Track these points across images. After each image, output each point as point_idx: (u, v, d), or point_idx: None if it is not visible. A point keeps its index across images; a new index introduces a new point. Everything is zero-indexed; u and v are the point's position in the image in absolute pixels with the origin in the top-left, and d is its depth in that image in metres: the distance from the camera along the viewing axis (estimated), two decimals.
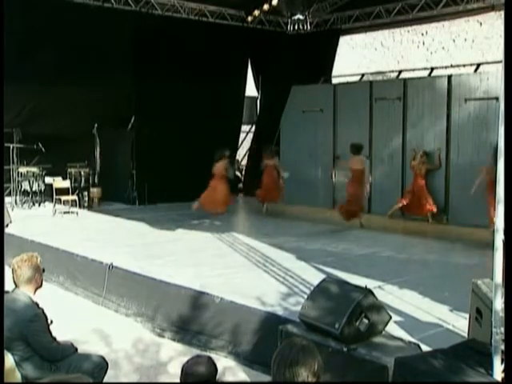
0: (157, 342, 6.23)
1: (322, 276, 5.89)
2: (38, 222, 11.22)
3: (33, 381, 4.03)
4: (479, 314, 4.24)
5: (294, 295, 6.28)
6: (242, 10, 13.85)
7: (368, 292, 4.60)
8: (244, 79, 15.82)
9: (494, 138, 9.02)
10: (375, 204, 12.45)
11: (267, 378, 2.86)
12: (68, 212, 12.11)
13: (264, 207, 12.98)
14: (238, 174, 16.85)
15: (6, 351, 3.89)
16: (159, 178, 13.17)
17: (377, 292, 4.98)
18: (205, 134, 14.02)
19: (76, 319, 6.63)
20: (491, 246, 3.42)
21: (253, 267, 7.66)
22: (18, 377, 3.98)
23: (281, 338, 4.77)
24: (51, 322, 4.27)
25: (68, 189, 12.57)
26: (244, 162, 17.45)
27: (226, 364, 5.59)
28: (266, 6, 12.58)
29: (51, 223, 11.30)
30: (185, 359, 3.17)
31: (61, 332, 4.43)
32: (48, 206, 12.69)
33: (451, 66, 14.84)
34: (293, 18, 14.62)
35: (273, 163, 13.05)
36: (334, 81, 15.52)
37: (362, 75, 15.37)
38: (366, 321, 4.44)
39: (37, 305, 4.15)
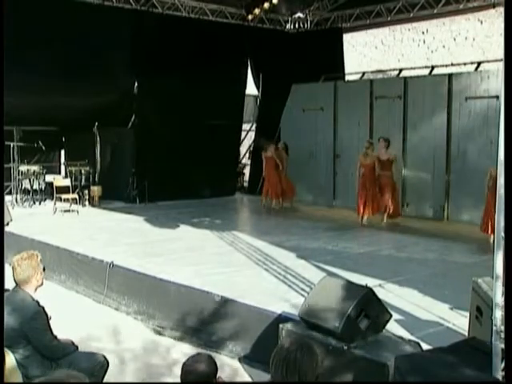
0: (157, 341, 6.24)
1: (323, 274, 5.90)
2: (38, 221, 11.22)
3: (33, 379, 4.03)
4: (479, 312, 4.25)
5: (294, 293, 6.29)
6: (243, 8, 13.83)
7: (368, 290, 4.60)
8: (244, 78, 15.81)
9: (494, 136, 9.01)
10: None
11: (268, 377, 2.86)
12: (68, 210, 12.11)
13: (272, 204, 13.07)
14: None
15: (6, 350, 3.89)
16: (159, 177, 13.19)
17: (377, 290, 4.98)
18: (205, 132, 14.03)
19: (77, 317, 6.63)
20: (491, 244, 3.41)
21: (253, 265, 7.67)
22: (18, 376, 3.98)
23: (281, 337, 4.77)
24: (50, 317, 4.27)
25: (68, 187, 12.58)
26: (245, 161, 17.48)
27: (226, 362, 5.60)
28: (266, 5, 12.55)
29: (52, 222, 11.31)
30: (185, 357, 3.16)
31: (62, 330, 4.43)
32: (48, 205, 12.69)
33: (452, 64, 14.80)
34: (293, 16, 14.60)
35: (270, 155, 13.04)
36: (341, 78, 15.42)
37: (363, 73, 15.34)
38: (366, 319, 4.45)
39: (37, 303, 4.15)
